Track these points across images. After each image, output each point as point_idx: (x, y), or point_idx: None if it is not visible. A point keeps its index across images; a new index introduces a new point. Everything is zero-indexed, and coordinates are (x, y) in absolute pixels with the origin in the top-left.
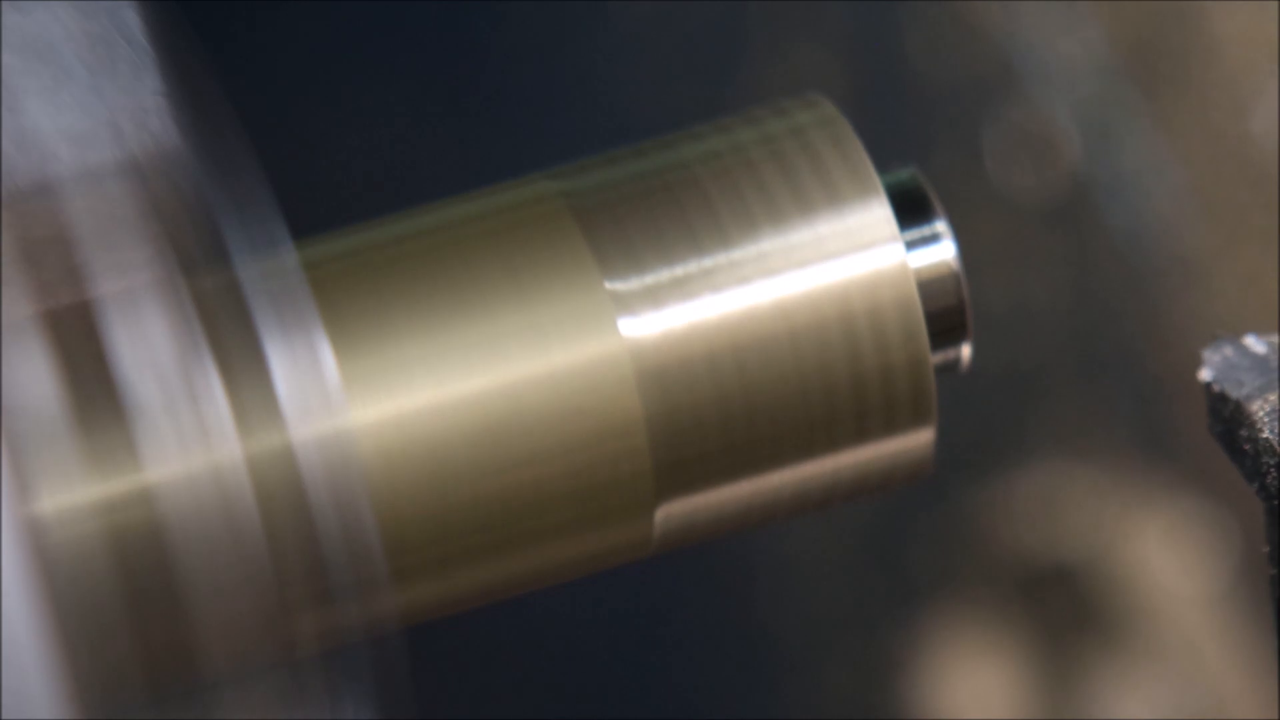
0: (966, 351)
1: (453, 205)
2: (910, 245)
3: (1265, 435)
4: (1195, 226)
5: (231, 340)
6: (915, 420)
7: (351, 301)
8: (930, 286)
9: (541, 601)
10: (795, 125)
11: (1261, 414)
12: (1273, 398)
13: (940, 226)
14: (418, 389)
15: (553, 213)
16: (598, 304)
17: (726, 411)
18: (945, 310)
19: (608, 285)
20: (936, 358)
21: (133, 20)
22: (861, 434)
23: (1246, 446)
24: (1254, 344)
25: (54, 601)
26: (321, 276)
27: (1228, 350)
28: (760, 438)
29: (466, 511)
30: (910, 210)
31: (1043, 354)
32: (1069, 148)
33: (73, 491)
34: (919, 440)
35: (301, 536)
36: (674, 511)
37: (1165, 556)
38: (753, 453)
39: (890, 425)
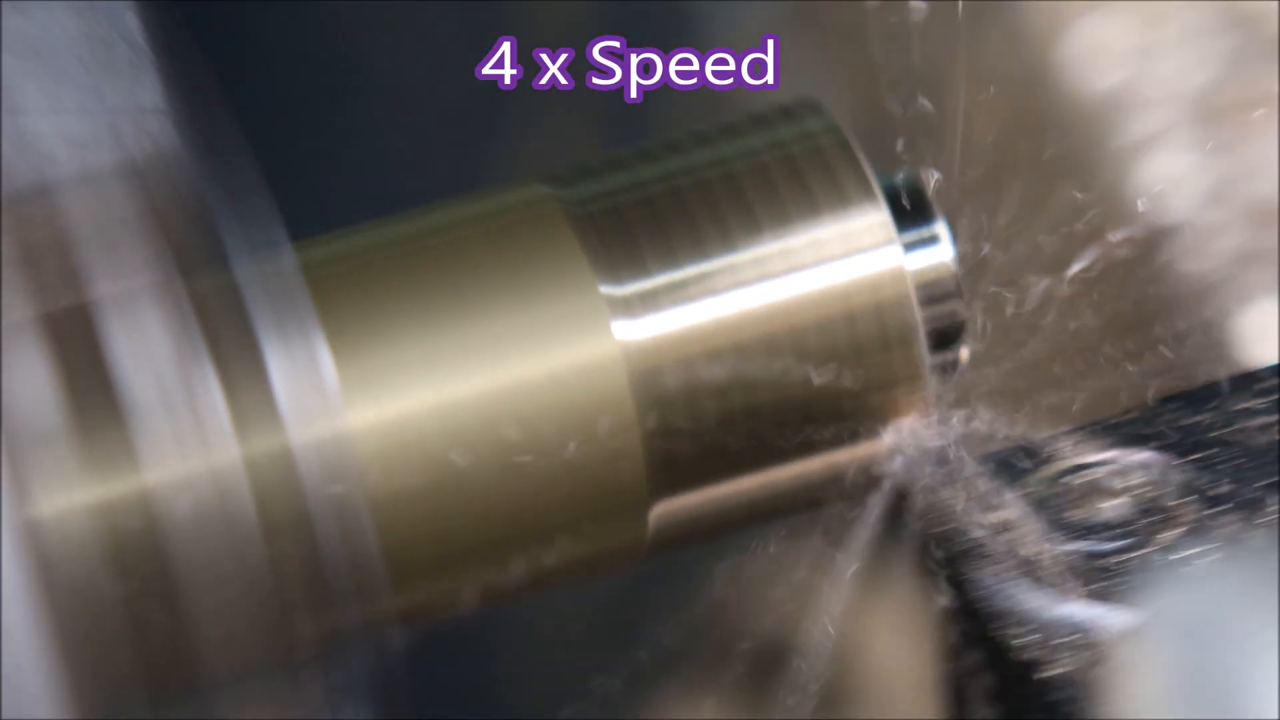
0: (965, 352)
1: (450, 208)
2: (909, 247)
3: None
4: None
5: (230, 342)
6: (909, 419)
7: (349, 303)
8: (929, 288)
9: (542, 600)
10: (789, 128)
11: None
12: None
13: (939, 228)
14: (414, 391)
15: (548, 216)
16: (592, 307)
17: (720, 414)
18: (944, 311)
19: (602, 289)
20: (935, 358)
21: (131, 22)
22: (855, 435)
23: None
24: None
25: (52, 603)
26: (319, 278)
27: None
28: (752, 439)
29: (462, 513)
30: (909, 212)
31: None
32: None
33: (71, 493)
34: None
35: (299, 538)
36: (668, 512)
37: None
38: (746, 454)
39: (885, 425)
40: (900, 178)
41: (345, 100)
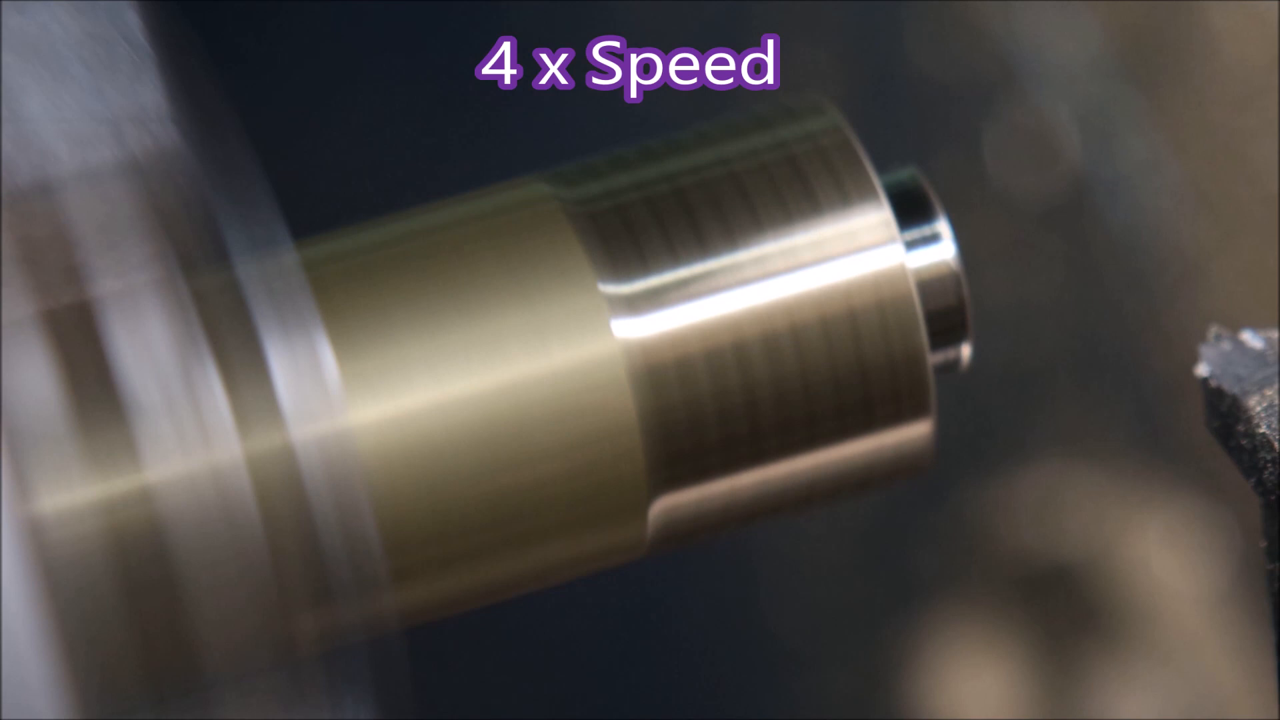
0: (966, 351)
1: (451, 206)
2: (910, 245)
3: (1262, 430)
4: (1194, 222)
5: (231, 340)
6: (913, 416)
7: (350, 301)
8: (930, 286)
9: (541, 601)
10: (791, 127)
11: (1258, 409)
12: (1269, 393)
13: (940, 226)
14: (416, 389)
15: (548, 214)
16: (592, 306)
17: (721, 411)
18: (945, 310)
19: (601, 287)
20: (936, 357)
21: (133, 20)
22: (854, 434)
23: (1244, 442)
24: (1251, 339)
25: (54, 601)
26: (321, 276)
27: (1225, 345)
28: (753, 438)
29: (464, 510)
30: (911, 210)
31: (1043, 353)
32: (1068, 147)
33: (72, 491)
34: (916, 434)
35: (301, 536)
36: (668, 509)
37: (1165, 556)
38: (748, 452)
39: (887, 422)
40: (903, 175)
41: (346, 99)
